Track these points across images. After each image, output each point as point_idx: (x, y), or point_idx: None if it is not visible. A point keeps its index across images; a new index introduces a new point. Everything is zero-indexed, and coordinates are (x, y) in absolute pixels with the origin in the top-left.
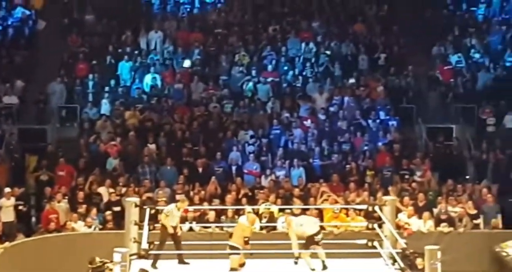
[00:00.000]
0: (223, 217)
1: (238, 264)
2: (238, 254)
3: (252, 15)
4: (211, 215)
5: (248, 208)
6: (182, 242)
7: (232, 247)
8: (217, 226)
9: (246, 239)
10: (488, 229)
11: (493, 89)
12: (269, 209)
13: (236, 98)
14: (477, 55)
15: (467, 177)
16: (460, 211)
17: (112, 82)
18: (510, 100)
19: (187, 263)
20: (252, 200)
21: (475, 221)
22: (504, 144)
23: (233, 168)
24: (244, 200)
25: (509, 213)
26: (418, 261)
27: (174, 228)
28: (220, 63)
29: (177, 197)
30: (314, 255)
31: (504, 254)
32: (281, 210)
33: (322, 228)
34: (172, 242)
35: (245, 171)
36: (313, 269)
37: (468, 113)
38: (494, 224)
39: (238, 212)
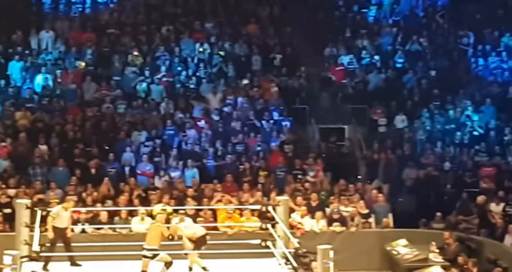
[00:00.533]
0: (116, 218)
1: (166, 263)
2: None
3: (145, 15)
4: (104, 217)
5: (142, 209)
6: (75, 244)
7: (149, 251)
8: (110, 228)
9: (171, 237)
10: (379, 228)
11: (384, 90)
12: (165, 210)
13: (129, 98)
14: (368, 56)
15: (359, 177)
16: (352, 210)
17: (2, 82)
18: (401, 101)
19: (79, 265)
20: (146, 201)
21: (366, 221)
22: (394, 144)
23: (126, 169)
24: (136, 201)
25: (399, 213)
26: (314, 264)
27: (65, 229)
28: (113, 64)
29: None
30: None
31: (395, 252)
32: (175, 211)
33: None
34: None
35: (139, 172)
36: (204, 267)
37: (360, 114)
38: (385, 223)
39: (131, 213)
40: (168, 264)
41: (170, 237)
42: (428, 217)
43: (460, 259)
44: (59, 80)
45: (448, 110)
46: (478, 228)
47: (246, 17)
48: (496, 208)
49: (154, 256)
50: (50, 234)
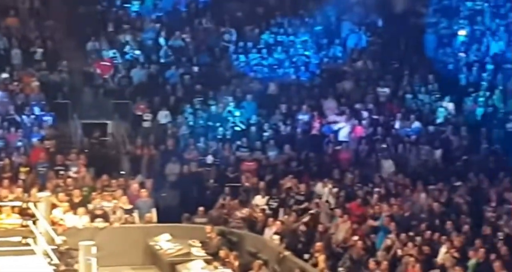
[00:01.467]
0: None
1: None
2: None
3: None
4: None
5: None
6: None
7: None
8: None
9: None
10: (143, 224)
11: (147, 85)
12: None
13: None
14: (131, 51)
15: (122, 172)
16: (114, 205)
17: None
18: (164, 96)
19: None
20: None
21: (130, 216)
22: (158, 139)
23: None
24: None
25: (163, 208)
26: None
27: None
28: None
29: None
30: None
31: (158, 247)
32: None
33: None
34: None
35: None
36: None
37: (123, 109)
38: (148, 218)
39: None
40: None
41: None
42: (191, 211)
43: (222, 253)
44: None
45: (211, 105)
46: (243, 221)
47: (5, 9)
48: (261, 201)
49: None
50: None
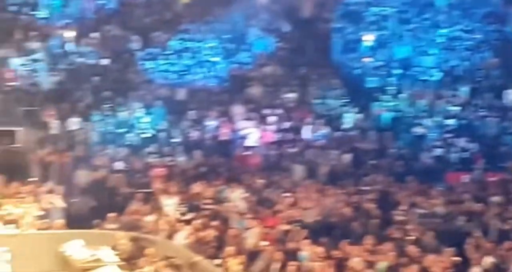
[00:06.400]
0: None
1: None
2: None
3: None
4: None
5: None
6: None
7: None
8: None
9: None
10: (53, 230)
11: (55, 92)
12: None
13: None
14: (40, 59)
15: (32, 179)
16: (25, 212)
17: None
18: (72, 103)
19: None
20: None
21: (40, 222)
22: (68, 146)
23: None
24: None
25: (73, 214)
26: None
27: None
28: None
29: None
30: None
31: (69, 254)
32: None
33: None
34: None
35: None
36: None
37: (32, 116)
38: (59, 225)
39: None
40: None
41: None
42: (101, 218)
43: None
44: None
45: (120, 112)
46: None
47: None
48: (171, 206)
49: None
50: None
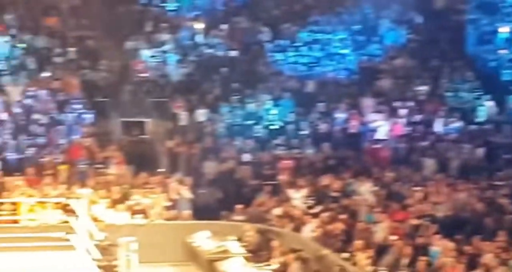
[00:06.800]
0: None
1: None
2: None
3: None
4: None
5: None
6: None
7: None
8: None
9: None
10: (181, 221)
11: (184, 83)
12: None
13: None
14: (169, 50)
15: (161, 170)
16: (153, 202)
17: None
18: (201, 94)
19: None
20: None
21: (168, 213)
22: (195, 137)
23: None
24: None
25: (201, 205)
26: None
27: None
28: None
29: None
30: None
31: (196, 244)
32: None
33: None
34: None
35: None
36: None
37: (161, 107)
38: (186, 215)
39: None
40: None
41: None
42: (229, 209)
43: (269, 246)
44: None
45: (248, 104)
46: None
47: (46, 9)
48: (298, 199)
49: None
50: None
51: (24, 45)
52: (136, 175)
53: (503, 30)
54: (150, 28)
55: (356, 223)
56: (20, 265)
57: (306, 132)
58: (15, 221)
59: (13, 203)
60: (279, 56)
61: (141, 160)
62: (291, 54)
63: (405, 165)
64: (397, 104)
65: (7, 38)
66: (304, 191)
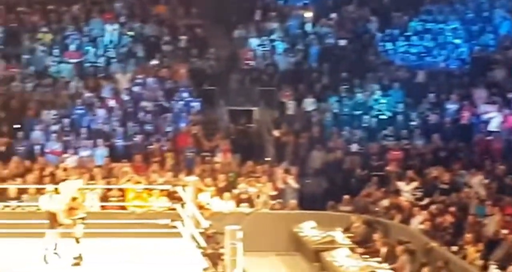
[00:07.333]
0: (24, 196)
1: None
2: None
3: None
4: (12, 193)
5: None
6: None
7: None
8: (18, 206)
9: None
10: (287, 210)
11: (292, 72)
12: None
13: (39, 77)
14: (278, 39)
15: (267, 159)
16: (259, 191)
17: None
18: (309, 83)
19: None
20: (54, 180)
21: (274, 202)
22: (303, 127)
23: (36, 147)
24: (46, 179)
25: (306, 195)
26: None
27: None
28: (22, 42)
29: None
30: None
31: (302, 234)
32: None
33: None
34: None
35: (48, 150)
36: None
37: (269, 96)
38: (293, 205)
39: (40, 191)
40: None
41: None
42: (335, 199)
43: (373, 237)
44: None
45: (356, 93)
46: (387, 210)
47: None
48: (406, 190)
49: None
50: None
51: (132, 33)
52: (242, 164)
53: None
54: (259, 16)
55: (465, 216)
56: (126, 251)
57: (415, 123)
58: (122, 207)
59: (120, 190)
60: (389, 45)
61: (248, 149)
62: (401, 43)
63: None
64: (510, 95)
65: (116, 26)
66: (412, 183)
